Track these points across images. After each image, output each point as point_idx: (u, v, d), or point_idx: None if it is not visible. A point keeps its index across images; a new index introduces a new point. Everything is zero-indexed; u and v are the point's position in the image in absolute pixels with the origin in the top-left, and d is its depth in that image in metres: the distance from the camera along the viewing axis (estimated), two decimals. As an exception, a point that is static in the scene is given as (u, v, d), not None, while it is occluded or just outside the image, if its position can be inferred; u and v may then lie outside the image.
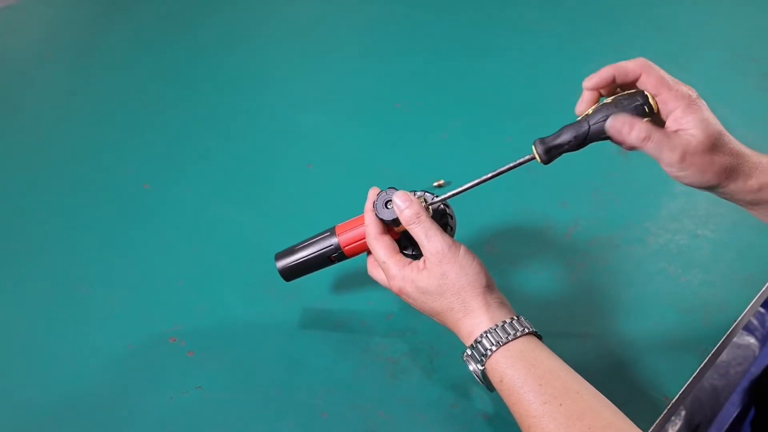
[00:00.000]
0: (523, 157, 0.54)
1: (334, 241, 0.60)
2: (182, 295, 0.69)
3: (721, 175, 0.51)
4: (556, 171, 0.80)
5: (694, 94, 0.52)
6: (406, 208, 0.55)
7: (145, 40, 1.19)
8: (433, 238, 0.54)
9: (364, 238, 0.59)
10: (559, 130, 0.53)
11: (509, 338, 0.49)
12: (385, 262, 0.56)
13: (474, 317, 0.52)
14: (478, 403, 0.57)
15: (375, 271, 0.60)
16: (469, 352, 0.51)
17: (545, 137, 0.53)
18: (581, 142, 0.53)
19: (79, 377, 0.61)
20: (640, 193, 0.79)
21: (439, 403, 0.57)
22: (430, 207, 0.57)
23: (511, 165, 0.55)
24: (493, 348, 0.49)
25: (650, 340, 0.62)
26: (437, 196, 0.58)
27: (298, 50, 1.14)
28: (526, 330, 0.50)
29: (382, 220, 0.57)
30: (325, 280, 0.69)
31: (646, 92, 0.52)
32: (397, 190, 0.56)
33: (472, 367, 0.51)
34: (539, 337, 0.52)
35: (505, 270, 0.69)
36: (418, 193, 0.57)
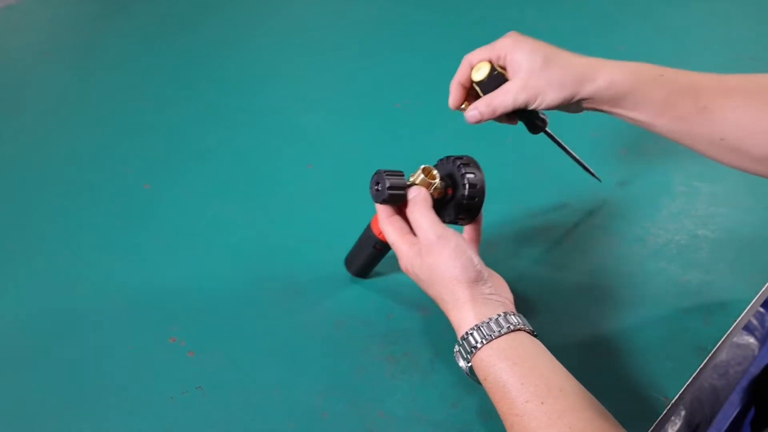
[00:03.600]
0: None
1: (372, 233, 0.63)
2: (182, 295, 0.69)
3: (566, 86, 0.59)
4: (556, 171, 0.81)
5: (511, 38, 0.62)
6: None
7: (145, 40, 1.19)
8: (421, 228, 0.54)
9: None
10: None
11: (494, 335, 0.49)
12: (394, 243, 0.56)
13: (461, 311, 0.51)
14: (478, 403, 0.57)
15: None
16: (457, 347, 0.51)
17: None
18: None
19: (78, 377, 0.61)
20: (639, 193, 0.79)
21: (439, 403, 0.57)
22: (437, 180, 0.57)
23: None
24: (478, 345, 0.49)
25: (650, 339, 0.62)
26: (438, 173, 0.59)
27: (298, 50, 1.14)
28: (512, 327, 0.49)
29: (384, 202, 0.57)
30: (325, 280, 0.69)
31: (491, 63, 0.63)
32: (384, 171, 0.55)
33: (461, 363, 0.51)
34: (531, 334, 0.51)
35: (504, 271, 0.69)
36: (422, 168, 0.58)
